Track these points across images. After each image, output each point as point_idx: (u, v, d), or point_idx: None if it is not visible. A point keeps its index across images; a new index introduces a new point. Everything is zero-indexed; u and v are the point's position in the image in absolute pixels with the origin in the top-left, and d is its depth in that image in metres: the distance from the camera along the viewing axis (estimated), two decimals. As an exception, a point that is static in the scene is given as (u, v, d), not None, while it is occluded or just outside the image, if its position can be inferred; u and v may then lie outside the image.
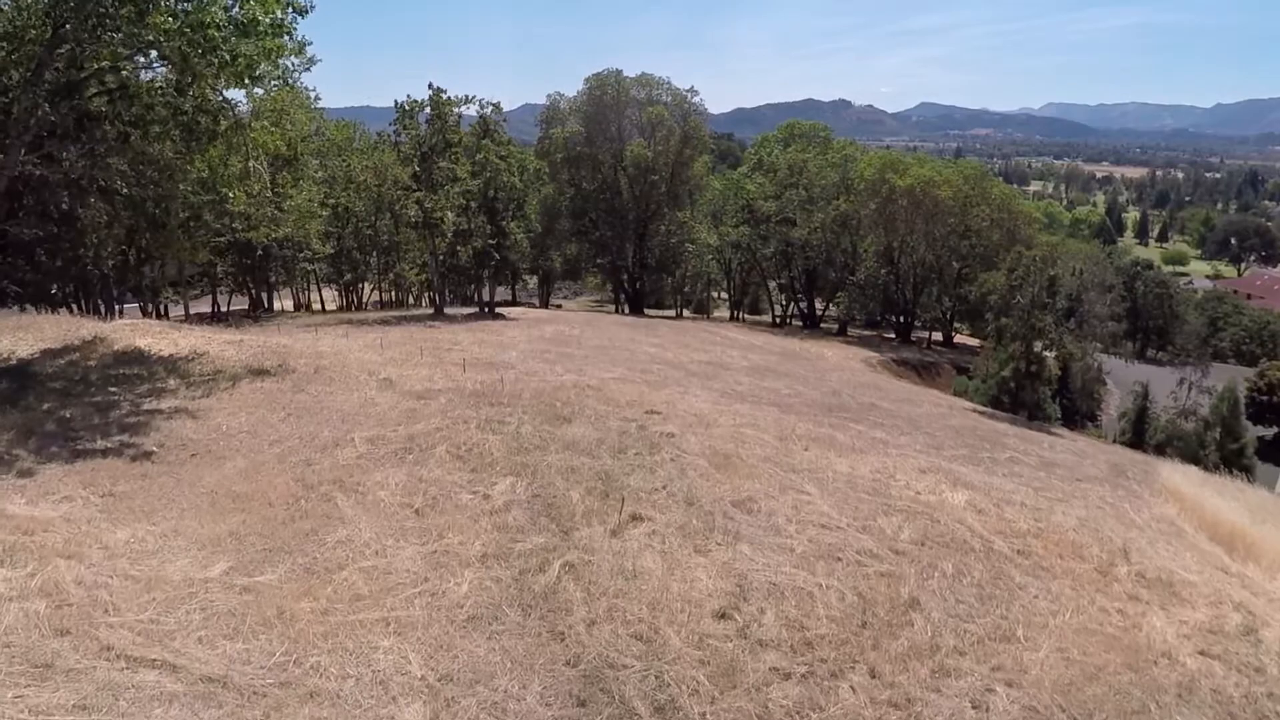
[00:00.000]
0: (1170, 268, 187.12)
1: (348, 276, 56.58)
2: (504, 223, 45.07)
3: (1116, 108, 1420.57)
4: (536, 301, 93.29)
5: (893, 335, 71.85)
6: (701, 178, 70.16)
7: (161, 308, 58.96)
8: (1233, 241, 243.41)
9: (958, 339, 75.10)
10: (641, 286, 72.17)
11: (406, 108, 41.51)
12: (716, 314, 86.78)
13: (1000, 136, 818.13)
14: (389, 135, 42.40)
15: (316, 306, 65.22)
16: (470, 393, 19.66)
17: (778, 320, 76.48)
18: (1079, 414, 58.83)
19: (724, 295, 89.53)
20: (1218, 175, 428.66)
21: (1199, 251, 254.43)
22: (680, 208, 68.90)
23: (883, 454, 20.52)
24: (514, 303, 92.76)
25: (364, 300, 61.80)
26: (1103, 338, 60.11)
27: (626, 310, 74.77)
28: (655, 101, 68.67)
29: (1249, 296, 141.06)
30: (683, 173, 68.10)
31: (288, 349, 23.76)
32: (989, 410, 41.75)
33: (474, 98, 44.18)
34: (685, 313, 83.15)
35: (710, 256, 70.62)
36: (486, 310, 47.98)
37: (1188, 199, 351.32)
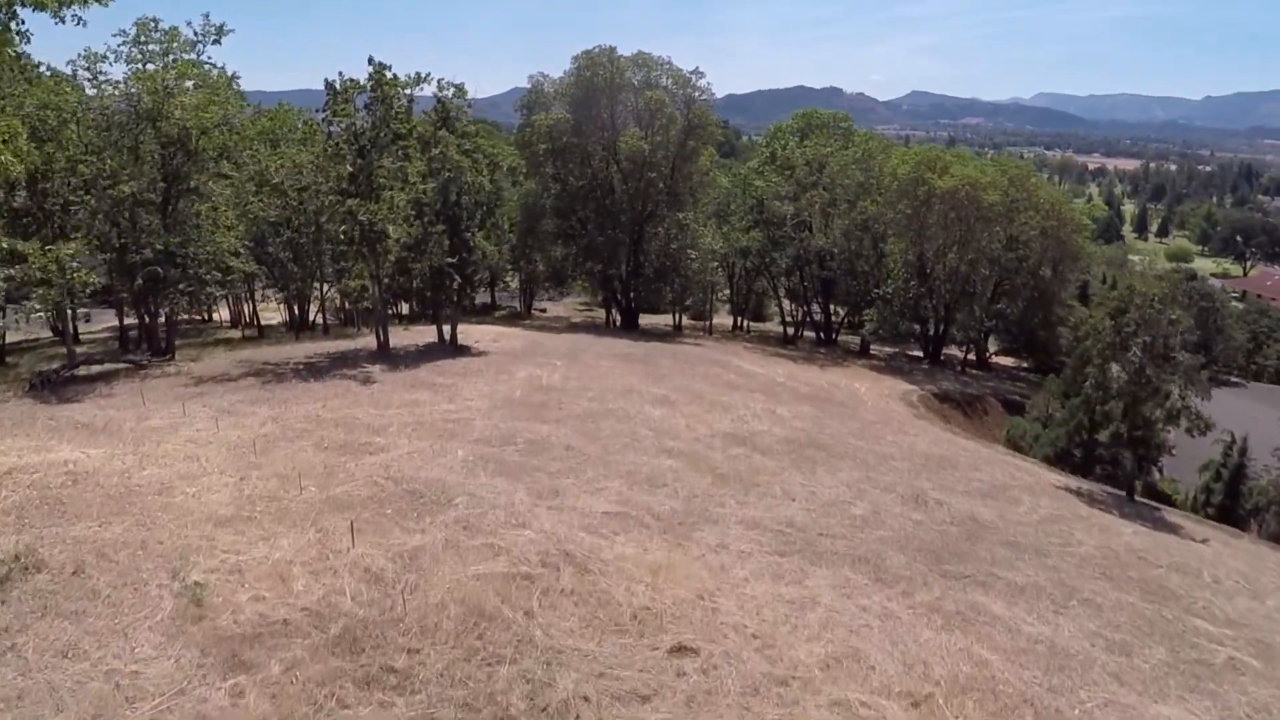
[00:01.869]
0: (1174, 265, 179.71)
1: (282, 294, 46.87)
2: (468, 234, 35.72)
3: (1107, 99, 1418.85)
4: (518, 304, 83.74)
5: (920, 354, 63.03)
6: (706, 173, 60.64)
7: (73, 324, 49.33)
8: (1239, 239, 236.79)
9: (993, 359, 66.42)
10: (636, 299, 62.79)
11: (338, 89, 31.91)
12: (717, 319, 77.28)
13: (991, 126, 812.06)
14: (316, 124, 32.77)
15: (268, 321, 55.73)
16: (340, 633, 10.50)
17: (788, 334, 67.18)
18: (1145, 460, 50.23)
19: (725, 294, 79.96)
20: (1209, 168, 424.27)
21: (1200, 248, 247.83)
22: (682, 208, 59.45)
23: None
24: (494, 306, 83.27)
25: (311, 317, 52.04)
26: (1180, 370, 51.46)
27: (619, 321, 65.55)
28: (654, 85, 59.05)
29: (1259, 297, 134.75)
30: (685, 168, 58.55)
31: (76, 484, 14.51)
32: (1082, 488, 32.94)
33: (429, 76, 34.69)
34: (684, 320, 73.74)
35: (716, 265, 61.39)
36: (447, 342, 38.69)
37: (1183, 191, 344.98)
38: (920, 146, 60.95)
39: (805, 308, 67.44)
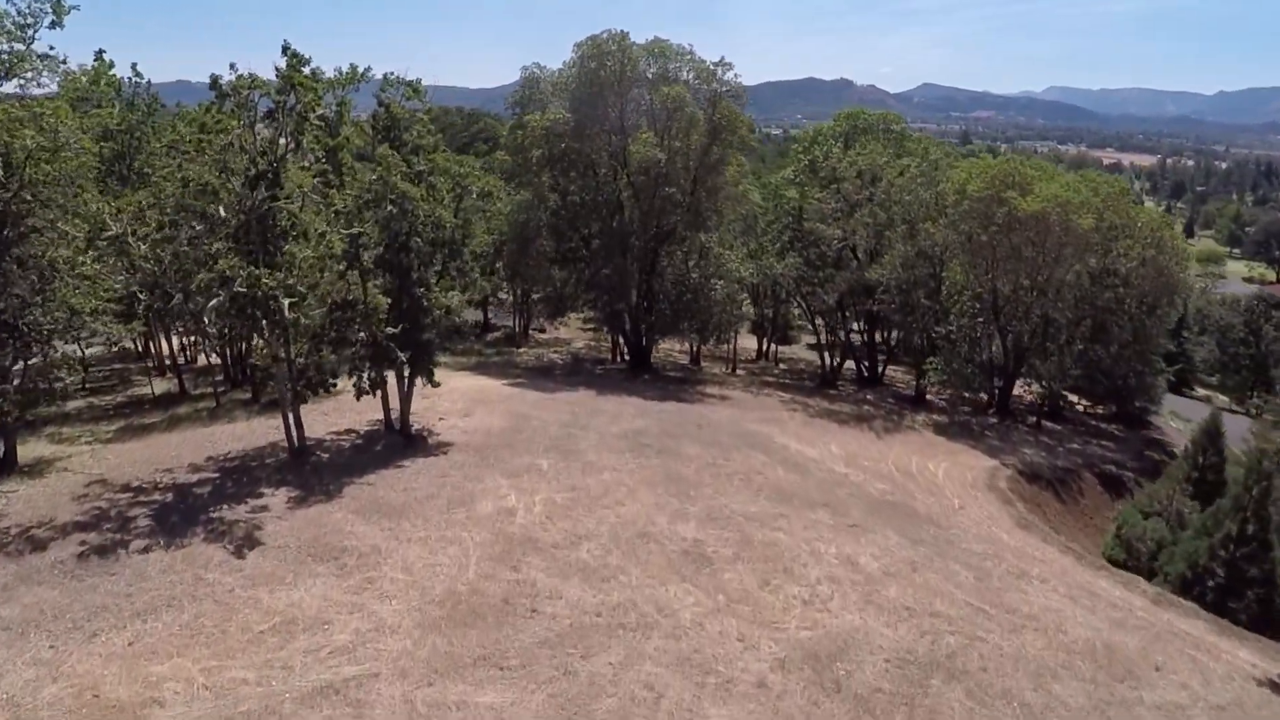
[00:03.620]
0: (1205, 268, 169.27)
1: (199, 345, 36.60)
2: (420, 289, 25.63)
3: (1119, 93, 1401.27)
4: (514, 323, 73.13)
5: (985, 398, 52.39)
6: (736, 185, 50.19)
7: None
8: (1273, 242, 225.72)
9: (1067, 404, 55.93)
10: (649, 336, 52.40)
11: (226, 89, 21.72)
12: (740, 341, 66.65)
13: (1003, 120, 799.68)
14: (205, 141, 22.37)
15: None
16: None
17: (825, 372, 56.44)
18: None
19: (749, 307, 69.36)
20: (1224, 164, 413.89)
21: (1228, 249, 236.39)
22: (705, 228, 49.16)
23: None
24: (487, 327, 72.90)
25: (252, 368, 41.55)
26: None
27: (625, 356, 55.35)
28: (672, 78, 48.65)
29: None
30: (709, 180, 48.14)
31: None
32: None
33: (368, 73, 24.53)
34: (703, 347, 63.39)
35: (745, 297, 51.12)
36: (397, 430, 28.63)
37: (1200, 188, 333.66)
38: (994, 158, 50.46)
39: (845, 342, 56.87)
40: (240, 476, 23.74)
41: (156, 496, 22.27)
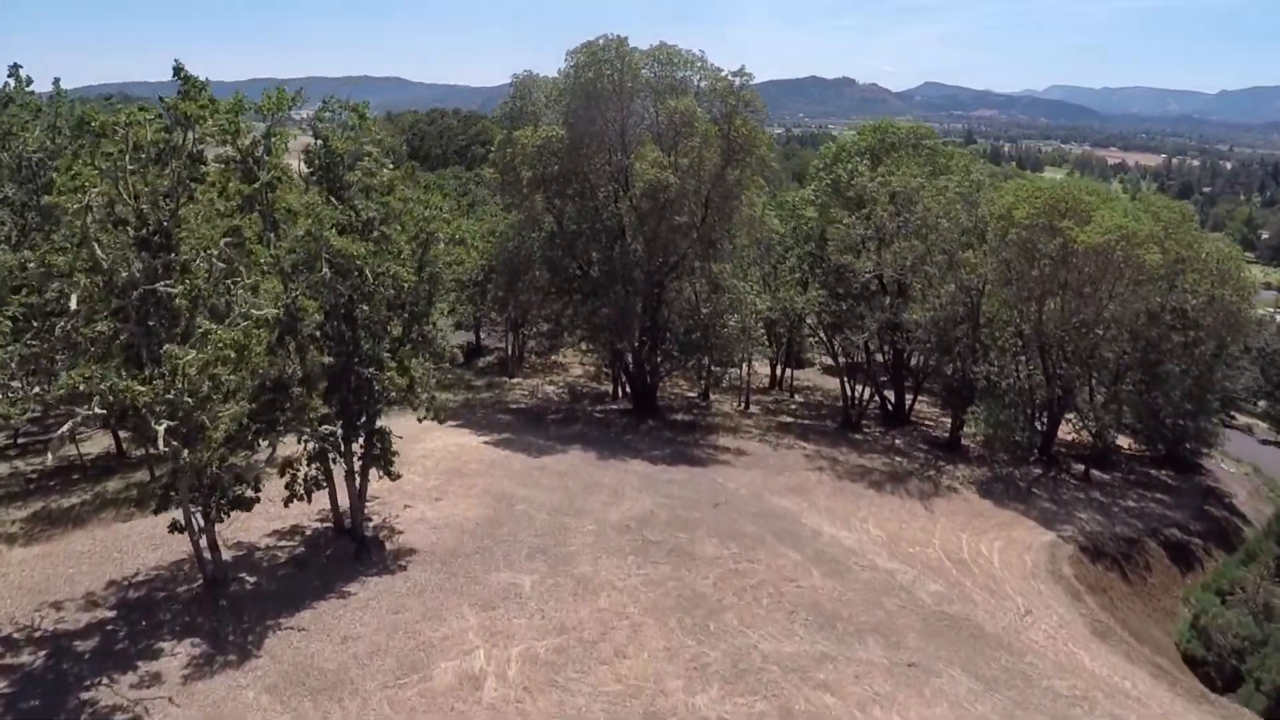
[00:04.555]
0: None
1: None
2: (369, 369, 20.37)
3: (1121, 91, 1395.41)
4: (508, 346, 67.17)
5: (1035, 449, 46.71)
6: (752, 206, 44.65)
7: None
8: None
9: (1115, 452, 50.48)
10: (653, 376, 46.98)
11: (96, 127, 16.43)
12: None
13: (1005, 119, 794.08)
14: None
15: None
16: None
17: (849, 412, 50.90)
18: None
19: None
20: (1228, 164, 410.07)
21: (1240, 253, 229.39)
22: (718, 257, 43.75)
23: None
24: (480, 350, 67.63)
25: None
26: None
27: (627, 391, 50.00)
28: (681, 89, 43.21)
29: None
30: (724, 206, 42.72)
31: None
32: None
33: (300, 95, 19.26)
34: (711, 374, 57.88)
35: (760, 332, 45.75)
36: (346, 529, 23.38)
37: (1207, 189, 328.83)
38: (1047, 182, 44.80)
39: (870, 373, 51.32)
40: (139, 619, 18.46)
41: (25, 658, 16.98)
